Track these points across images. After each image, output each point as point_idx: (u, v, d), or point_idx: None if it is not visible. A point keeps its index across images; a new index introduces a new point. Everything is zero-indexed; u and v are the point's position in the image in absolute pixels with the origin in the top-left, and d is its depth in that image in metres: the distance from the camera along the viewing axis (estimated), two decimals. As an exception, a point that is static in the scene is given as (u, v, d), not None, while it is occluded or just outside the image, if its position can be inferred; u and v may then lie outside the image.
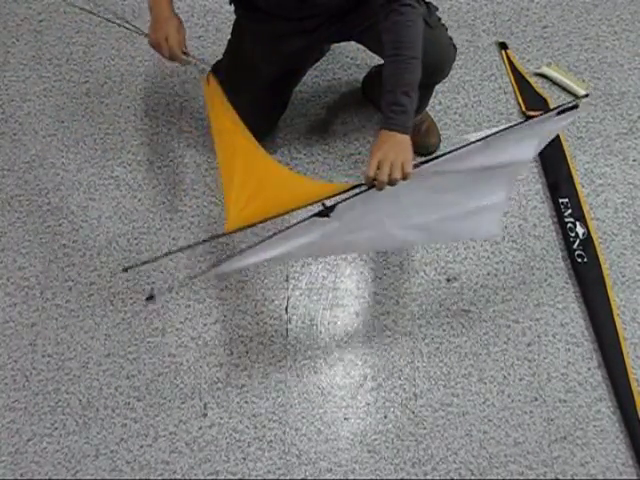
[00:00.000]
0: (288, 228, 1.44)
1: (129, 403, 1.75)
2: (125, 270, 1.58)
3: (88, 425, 1.72)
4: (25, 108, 2.18)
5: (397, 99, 1.46)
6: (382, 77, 1.50)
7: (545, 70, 2.23)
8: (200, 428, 1.72)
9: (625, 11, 2.38)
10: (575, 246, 1.92)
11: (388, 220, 1.56)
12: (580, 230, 1.95)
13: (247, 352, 1.80)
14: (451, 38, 1.73)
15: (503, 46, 2.28)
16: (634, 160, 2.08)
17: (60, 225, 1.98)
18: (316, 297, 1.87)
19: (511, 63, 2.25)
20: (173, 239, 1.95)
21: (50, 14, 2.38)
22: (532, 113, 1.54)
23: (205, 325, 1.84)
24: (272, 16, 1.71)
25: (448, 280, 1.89)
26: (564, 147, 2.08)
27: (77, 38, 2.32)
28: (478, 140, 1.46)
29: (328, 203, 1.41)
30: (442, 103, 2.16)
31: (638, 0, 2.39)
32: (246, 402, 1.75)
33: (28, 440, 1.71)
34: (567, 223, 1.95)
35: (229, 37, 1.90)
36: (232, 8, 1.82)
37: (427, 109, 2.05)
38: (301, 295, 1.87)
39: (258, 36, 1.79)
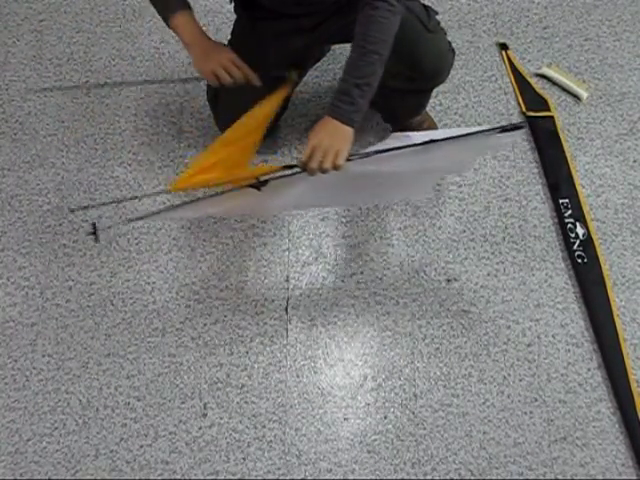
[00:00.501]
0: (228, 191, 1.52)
1: (129, 403, 1.75)
2: (71, 211, 1.67)
3: (88, 425, 1.72)
4: (25, 108, 2.18)
5: (348, 89, 1.45)
6: (346, 63, 1.48)
7: (545, 71, 2.23)
8: (200, 428, 1.72)
9: (626, 12, 2.38)
10: (575, 247, 1.92)
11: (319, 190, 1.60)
12: (580, 231, 1.95)
13: (247, 352, 1.80)
14: (450, 43, 1.73)
15: (503, 47, 2.28)
16: (634, 161, 2.08)
17: (60, 225, 1.98)
18: (316, 297, 1.87)
19: (511, 64, 2.25)
20: (173, 239, 1.95)
21: (50, 14, 2.38)
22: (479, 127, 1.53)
23: (205, 325, 1.84)
24: (271, 14, 1.71)
25: (448, 281, 1.89)
26: (564, 148, 2.08)
27: (77, 38, 2.32)
28: (420, 144, 1.48)
29: (262, 179, 1.48)
30: (442, 104, 2.16)
31: (638, 1, 2.39)
32: (246, 402, 1.75)
33: (28, 440, 1.71)
34: (567, 224, 1.95)
35: (229, 37, 1.90)
36: (232, 7, 1.82)
37: (427, 109, 2.05)
38: (301, 295, 1.87)
39: (258, 36, 1.78)
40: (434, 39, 1.66)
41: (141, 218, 1.68)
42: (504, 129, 1.50)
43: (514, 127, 1.50)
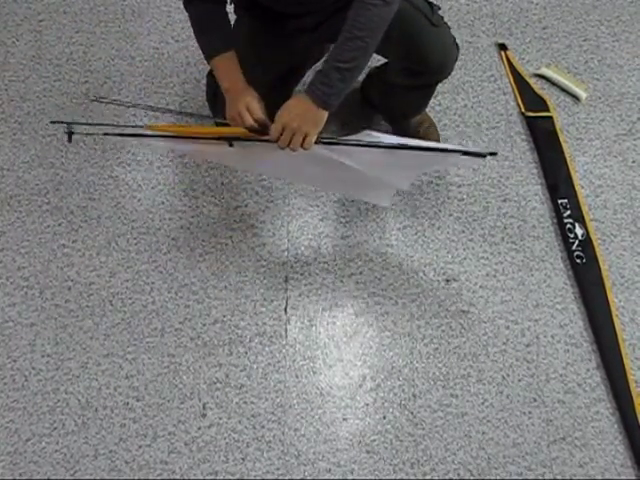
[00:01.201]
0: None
1: (128, 403, 1.75)
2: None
3: (87, 425, 1.72)
4: (25, 108, 2.18)
5: (328, 72, 1.44)
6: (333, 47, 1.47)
7: (544, 71, 2.23)
8: (199, 428, 1.72)
9: (624, 12, 2.38)
10: (574, 247, 1.92)
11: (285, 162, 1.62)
12: (579, 231, 1.95)
13: (246, 352, 1.81)
14: (454, 37, 1.73)
15: (502, 47, 2.28)
16: (633, 161, 2.08)
17: (59, 225, 1.98)
18: (315, 298, 1.87)
19: (510, 64, 2.25)
20: (172, 239, 1.95)
21: (50, 14, 2.38)
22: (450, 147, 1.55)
23: (204, 325, 1.84)
24: (272, 14, 1.71)
25: (447, 281, 1.89)
26: (563, 148, 2.08)
27: (77, 38, 2.32)
28: (389, 147, 1.52)
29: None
30: (442, 104, 2.16)
31: (637, 1, 2.39)
32: (245, 402, 1.75)
33: (27, 440, 1.71)
34: (566, 224, 1.96)
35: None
36: (232, 8, 1.82)
37: (426, 110, 2.05)
38: (300, 295, 1.88)
39: (258, 36, 1.78)
40: (439, 32, 1.66)
41: (118, 135, 1.74)
42: (466, 153, 1.53)
43: (476, 154, 1.53)
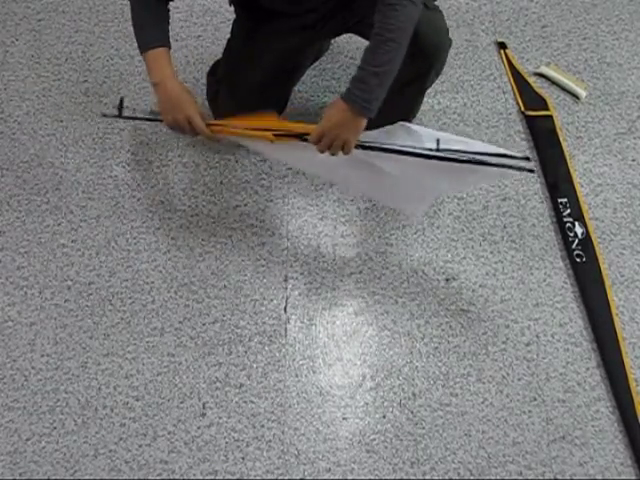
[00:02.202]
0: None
1: (128, 403, 1.75)
2: (103, 115, 1.90)
3: (87, 425, 1.72)
4: (24, 107, 2.18)
5: (365, 77, 1.46)
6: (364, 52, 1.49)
7: (544, 70, 2.23)
8: (199, 428, 1.72)
9: (624, 11, 2.38)
10: (574, 246, 1.92)
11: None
12: (579, 230, 1.95)
13: (246, 352, 1.80)
14: (447, 29, 1.71)
15: (502, 46, 2.28)
16: (633, 160, 2.08)
17: (59, 224, 1.98)
18: (315, 297, 1.87)
19: (510, 63, 2.25)
20: (172, 239, 1.95)
21: (49, 13, 2.38)
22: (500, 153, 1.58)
23: (204, 325, 1.84)
24: (273, 14, 1.71)
25: (447, 280, 1.89)
26: (563, 147, 2.08)
27: (76, 37, 2.32)
28: (426, 155, 1.56)
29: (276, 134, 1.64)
30: (441, 103, 2.16)
31: (637, 0, 2.39)
32: (245, 402, 1.75)
33: (27, 439, 1.71)
34: (566, 223, 1.96)
35: (228, 36, 1.90)
36: (232, 8, 1.82)
37: (425, 109, 2.04)
38: (300, 295, 1.88)
39: (258, 35, 1.78)
40: (433, 15, 1.66)
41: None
42: (515, 167, 1.59)
43: (525, 169, 1.60)
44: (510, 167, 1.60)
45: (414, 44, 1.62)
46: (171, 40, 2.14)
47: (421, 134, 1.61)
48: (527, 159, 1.62)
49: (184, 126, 1.63)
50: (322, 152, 1.54)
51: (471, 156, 1.58)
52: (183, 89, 1.65)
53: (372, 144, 1.59)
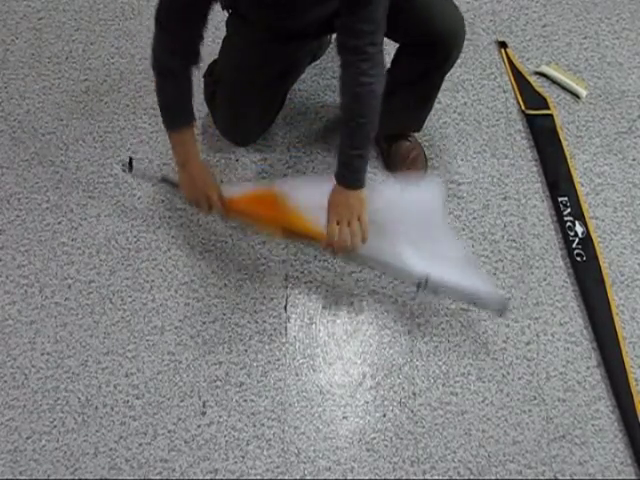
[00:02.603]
0: None
1: (128, 401, 1.75)
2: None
3: (87, 423, 1.72)
4: (24, 106, 2.18)
5: (349, 161, 1.58)
6: (340, 133, 1.60)
7: (545, 69, 2.23)
8: (199, 426, 1.72)
9: (625, 10, 2.38)
10: (574, 245, 1.92)
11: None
12: (579, 229, 1.95)
13: (246, 350, 1.81)
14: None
15: (503, 45, 2.28)
16: (633, 159, 2.08)
17: (59, 223, 1.98)
18: (315, 296, 1.87)
19: (510, 62, 2.25)
20: (172, 237, 1.95)
21: (49, 12, 2.38)
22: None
23: (204, 323, 1.84)
24: (272, 28, 1.71)
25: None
26: (563, 146, 2.08)
27: (76, 36, 2.32)
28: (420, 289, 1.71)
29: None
30: (441, 102, 2.16)
31: (638, -1, 2.40)
32: (245, 400, 1.75)
33: (27, 438, 1.71)
34: (566, 222, 1.96)
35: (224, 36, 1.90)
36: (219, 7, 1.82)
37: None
38: (300, 294, 1.88)
39: (257, 40, 1.78)
40: (449, 4, 1.66)
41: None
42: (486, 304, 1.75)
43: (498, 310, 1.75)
44: (485, 306, 1.77)
45: (432, 34, 1.62)
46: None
47: (412, 268, 1.70)
48: (505, 301, 1.76)
49: (203, 204, 1.74)
50: (343, 245, 1.62)
51: (454, 293, 1.74)
52: (205, 170, 1.78)
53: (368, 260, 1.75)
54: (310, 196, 1.73)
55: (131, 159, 1.88)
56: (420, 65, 1.71)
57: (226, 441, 1.70)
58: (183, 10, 1.53)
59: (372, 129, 1.56)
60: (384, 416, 1.73)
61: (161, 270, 1.90)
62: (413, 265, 1.69)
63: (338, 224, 1.60)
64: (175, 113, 1.70)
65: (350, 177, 1.60)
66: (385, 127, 1.67)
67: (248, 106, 1.71)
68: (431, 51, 1.66)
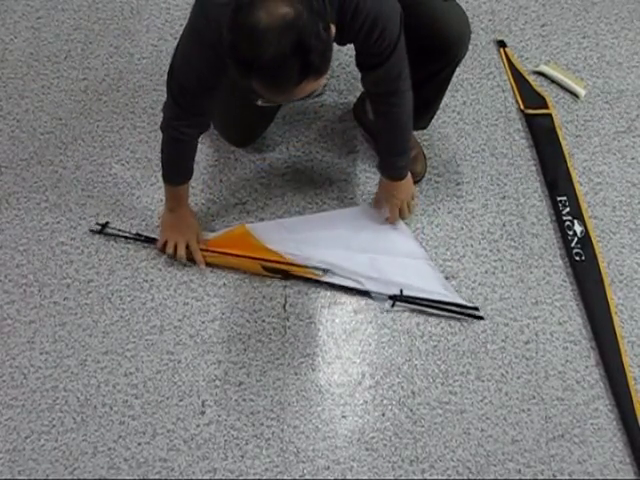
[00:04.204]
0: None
1: (127, 401, 1.75)
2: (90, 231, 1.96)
3: (86, 422, 1.72)
4: (23, 105, 2.18)
5: (392, 161, 1.78)
6: (380, 142, 1.83)
7: (543, 68, 2.23)
8: (198, 426, 1.72)
9: (624, 9, 2.38)
10: (573, 244, 1.92)
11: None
12: (578, 228, 1.95)
13: (245, 350, 1.80)
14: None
15: (501, 44, 2.29)
16: (632, 158, 2.09)
17: (58, 222, 1.98)
18: (314, 295, 1.87)
19: (509, 61, 2.25)
20: (171, 237, 1.95)
21: (48, 11, 2.37)
22: None
23: (203, 323, 1.84)
24: None
25: (446, 278, 1.89)
26: (562, 145, 2.08)
27: (75, 35, 2.32)
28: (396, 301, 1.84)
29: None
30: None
31: (637, -2, 2.40)
32: (244, 400, 1.75)
33: (26, 437, 1.71)
34: (565, 221, 1.96)
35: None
36: None
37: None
38: (299, 293, 1.87)
39: None
40: (452, 5, 1.67)
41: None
42: (465, 313, 1.84)
43: (474, 316, 1.84)
44: (461, 313, 1.83)
45: (439, 37, 1.63)
46: (170, 38, 2.15)
47: (387, 279, 1.86)
48: (476, 309, 1.83)
49: (180, 247, 1.85)
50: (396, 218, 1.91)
51: (429, 303, 1.83)
52: (191, 215, 1.90)
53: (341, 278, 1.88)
54: (279, 237, 1.91)
55: (106, 223, 1.96)
56: (428, 66, 1.72)
57: (225, 440, 1.70)
58: (197, 94, 1.56)
59: (409, 134, 1.75)
60: (383, 415, 1.73)
61: (160, 269, 1.90)
62: (389, 278, 1.85)
63: (401, 206, 1.89)
64: (178, 172, 1.80)
65: (393, 174, 1.82)
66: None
67: (246, 108, 1.70)
68: (439, 53, 1.67)
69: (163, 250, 1.88)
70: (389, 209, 1.89)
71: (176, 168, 1.79)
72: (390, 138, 1.76)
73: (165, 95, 1.62)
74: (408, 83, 1.60)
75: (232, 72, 1.25)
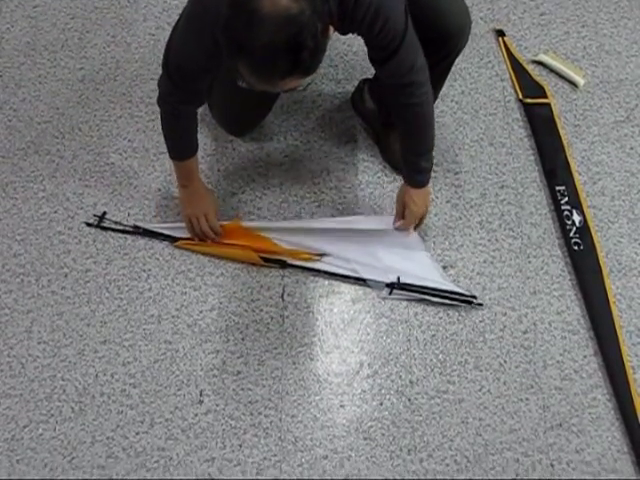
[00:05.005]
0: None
1: (125, 390, 1.75)
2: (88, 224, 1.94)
3: (84, 412, 1.72)
4: (20, 95, 2.17)
5: (416, 163, 1.69)
6: (400, 141, 1.73)
7: (542, 57, 2.22)
8: (196, 415, 1.72)
9: (623, -2, 2.38)
10: (572, 234, 1.92)
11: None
12: (577, 218, 1.94)
13: (243, 339, 1.80)
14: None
15: (500, 33, 2.28)
16: (631, 148, 2.08)
17: (56, 212, 1.97)
18: (312, 284, 1.87)
19: (508, 50, 2.24)
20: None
21: (45, 0, 2.36)
22: None
23: (201, 312, 1.84)
24: None
25: (445, 267, 1.89)
26: (561, 135, 2.08)
27: (72, 24, 2.31)
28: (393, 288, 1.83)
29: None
30: (439, 90, 2.15)
31: (636, -13, 2.39)
32: (242, 389, 1.75)
33: (24, 427, 1.71)
34: (564, 211, 1.95)
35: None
36: None
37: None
38: (297, 282, 1.87)
39: None
40: None
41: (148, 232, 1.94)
42: (462, 300, 1.83)
43: (472, 302, 1.83)
44: (458, 300, 1.82)
45: (439, 27, 1.62)
46: (167, 27, 2.14)
47: (385, 267, 1.85)
48: (474, 297, 1.83)
49: (200, 220, 1.84)
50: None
51: (427, 290, 1.83)
52: (205, 189, 1.89)
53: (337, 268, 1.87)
54: (274, 227, 1.92)
55: (104, 213, 1.96)
56: (428, 57, 1.70)
57: (223, 430, 1.70)
58: (193, 75, 1.55)
59: (432, 130, 1.67)
60: (381, 404, 1.73)
61: (158, 259, 1.90)
62: (386, 265, 1.85)
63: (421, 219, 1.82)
64: (181, 146, 1.77)
65: (419, 179, 1.73)
66: (391, 115, 1.73)
67: (244, 97, 1.70)
68: (439, 43, 1.66)
69: (192, 231, 1.88)
70: (406, 214, 1.79)
71: (178, 142, 1.76)
72: (411, 134, 1.68)
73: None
74: (425, 75, 1.56)
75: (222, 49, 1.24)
